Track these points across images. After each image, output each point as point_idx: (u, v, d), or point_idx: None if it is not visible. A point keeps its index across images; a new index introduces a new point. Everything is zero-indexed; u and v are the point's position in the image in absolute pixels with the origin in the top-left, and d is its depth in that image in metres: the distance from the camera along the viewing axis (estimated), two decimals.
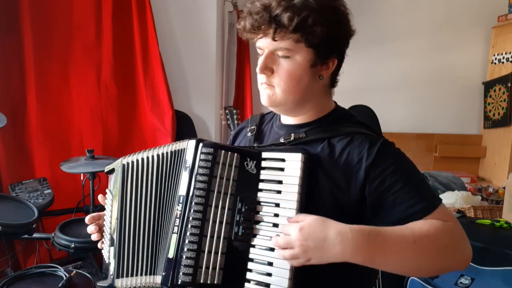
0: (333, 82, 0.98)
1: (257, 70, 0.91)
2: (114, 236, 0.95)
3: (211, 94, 2.72)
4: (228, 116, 2.59)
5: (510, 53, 2.96)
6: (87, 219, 1.06)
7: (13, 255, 1.97)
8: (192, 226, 0.85)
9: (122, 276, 0.93)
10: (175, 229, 0.88)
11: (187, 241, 0.85)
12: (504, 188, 2.47)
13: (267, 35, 0.88)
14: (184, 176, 0.90)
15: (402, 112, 3.30)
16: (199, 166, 0.88)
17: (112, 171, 1.03)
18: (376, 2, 3.23)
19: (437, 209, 0.84)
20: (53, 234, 1.75)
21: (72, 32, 2.23)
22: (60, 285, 1.47)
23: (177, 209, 0.89)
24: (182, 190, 0.90)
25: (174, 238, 0.87)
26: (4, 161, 2.05)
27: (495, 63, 3.10)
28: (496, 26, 3.09)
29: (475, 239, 1.91)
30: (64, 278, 1.51)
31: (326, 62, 0.92)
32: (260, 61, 0.91)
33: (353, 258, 0.77)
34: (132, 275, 0.93)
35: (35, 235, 1.74)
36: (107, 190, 1.04)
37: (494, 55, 3.11)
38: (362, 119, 1.01)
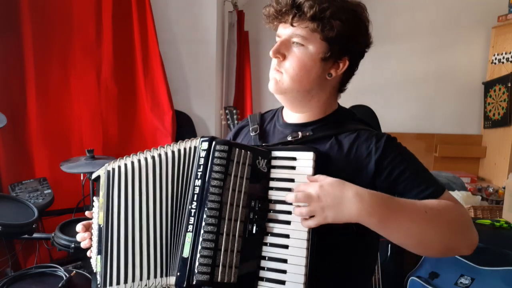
0: (341, 86, 1.00)
1: (270, 53, 0.93)
2: (102, 244, 0.92)
3: (211, 94, 2.72)
4: (228, 116, 2.59)
5: (510, 53, 2.96)
6: (78, 227, 1.02)
7: (13, 255, 1.97)
8: (208, 224, 0.84)
9: (111, 285, 0.89)
10: (190, 227, 0.86)
11: (203, 239, 0.83)
12: (504, 188, 2.47)
13: (287, 21, 0.90)
14: (198, 174, 0.88)
15: (402, 112, 3.30)
16: (214, 164, 0.87)
17: (98, 178, 0.98)
18: (376, 2, 3.22)
19: (443, 194, 0.89)
20: (53, 234, 1.75)
21: (72, 32, 2.23)
22: (60, 285, 1.47)
23: (191, 207, 0.87)
24: (196, 188, 0.88)
25: (189, 236, 0.85)
26: (4, 161, 2.05)
27: (495, 63, 3.10)
28: (496, 26, 3.09)
29: None
30: (64, 278, 1.51)
31: (338, 61, 0.94)
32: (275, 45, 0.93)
33: (368, 218, 0.79)
34: (124, 282, 0.88)
35: (35, 235, 1.74)
36: (94, 198, 1.00)
37: (494, 55, 3.11)
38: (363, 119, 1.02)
